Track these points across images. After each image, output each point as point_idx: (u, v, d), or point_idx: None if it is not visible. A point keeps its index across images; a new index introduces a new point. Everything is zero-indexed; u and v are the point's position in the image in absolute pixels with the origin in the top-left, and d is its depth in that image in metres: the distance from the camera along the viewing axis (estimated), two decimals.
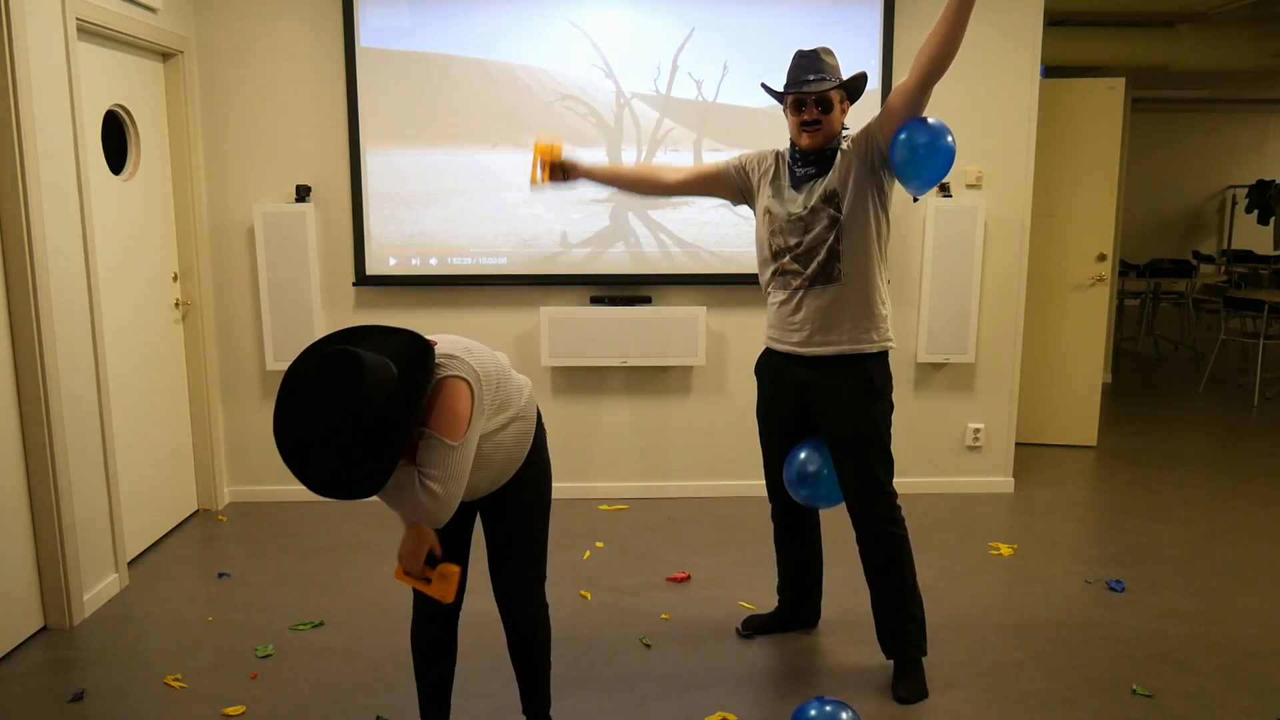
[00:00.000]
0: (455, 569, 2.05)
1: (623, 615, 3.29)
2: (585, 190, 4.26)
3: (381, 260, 4.31)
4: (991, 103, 4.34)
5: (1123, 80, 5.13)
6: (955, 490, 4.61)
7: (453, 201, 4.28)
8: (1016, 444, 5.05)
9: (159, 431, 4.01)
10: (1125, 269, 8.71)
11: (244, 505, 4.44)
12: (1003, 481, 4.63)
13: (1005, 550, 3.87)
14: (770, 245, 2.75)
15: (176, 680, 2.85)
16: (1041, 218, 5.09)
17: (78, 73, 3.26)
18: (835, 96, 2.63)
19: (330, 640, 3.12)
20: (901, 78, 2.56)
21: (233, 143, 4.23)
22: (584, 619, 3.26)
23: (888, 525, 2.76)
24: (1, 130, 2.94)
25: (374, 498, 1.88)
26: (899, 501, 2.79)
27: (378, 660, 2.98)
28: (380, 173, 4.24)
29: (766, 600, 3.34)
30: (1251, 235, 11.22)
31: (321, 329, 4.29)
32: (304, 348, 1.96)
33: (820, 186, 2.65)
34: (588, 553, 3.86)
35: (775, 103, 2.75)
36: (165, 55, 4.03)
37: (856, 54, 4.18)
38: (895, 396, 2.84)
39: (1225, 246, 11.34)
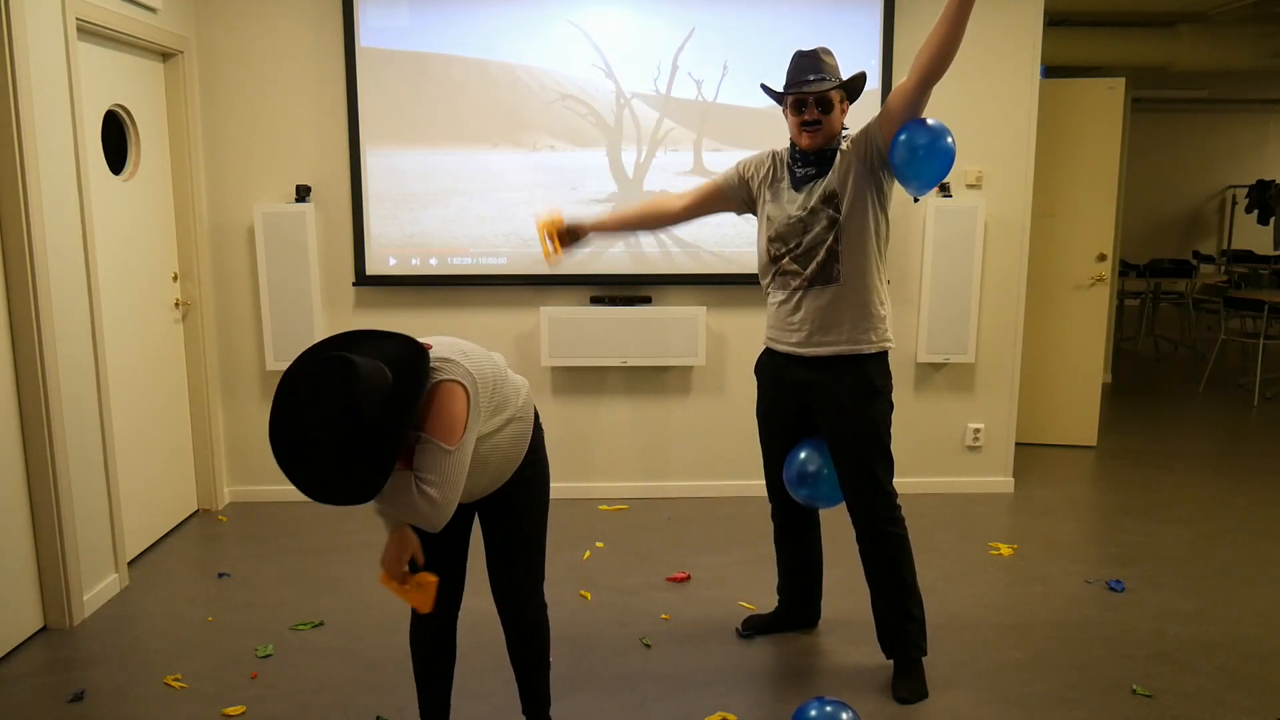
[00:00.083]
0: (433, 579, 2.03)
1: (623, 615, 3.29)
2: (585, 190, 4.26)
3: (381, 260, 4.32)
4: (991, 103, 4.34)
5: (1123, 80, 5.13)
6: (955, 490, 4.61)
7: (453, 201, 4.28)
8: (1016, 444, 5.06)
9: (159, 431, 4.01)
10: (1125, 269, 8.70)
11: (244, 505, 4.44)
12: (1003, 481, 4.63)
13: (1005, 550, 3.87)
14: (770, 246, 2.75)
15: (176, 680, 2.85)
16: (1041, 218, 5.09)
17: (78, 73, 3.26)
18: (835, 96, 2.63)
19: (330, 640, 3.12)
20: (901, 78, 2.56)
21: (233, 143, 4.24)
22: (584, 619, 3.26)
23: (888, 525, 2.76)
24: (1, 130, 2.94)
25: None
26: (899, 501, 2.80)
27: (378, 660, 2.98)
28: (380, 173, 4.24)
29: (766, 600, 3.34)
30: (1251, 235, 11.22)
31: (321, 329, 4.30)
32: (302, 349, 1.96)
33: (820, 187, 2.65)
34: (588, 553, 3.86)
35: (775, 103, 2.75)
36: (165, 55, 4.03)
37: (856, 54, 4.18)
38: (895, 396, 2.84)
39: (1225, 246, 11.33)
